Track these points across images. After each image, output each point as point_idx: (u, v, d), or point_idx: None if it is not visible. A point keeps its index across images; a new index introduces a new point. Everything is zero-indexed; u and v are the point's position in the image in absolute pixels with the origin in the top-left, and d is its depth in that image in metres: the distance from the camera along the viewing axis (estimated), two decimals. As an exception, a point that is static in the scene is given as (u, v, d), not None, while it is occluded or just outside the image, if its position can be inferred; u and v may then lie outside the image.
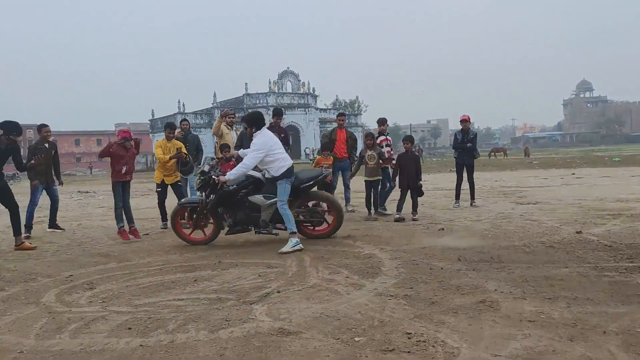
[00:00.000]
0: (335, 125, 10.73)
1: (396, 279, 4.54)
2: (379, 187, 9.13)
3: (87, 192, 19.49)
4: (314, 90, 64.35)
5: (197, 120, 56.49)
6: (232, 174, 6.30)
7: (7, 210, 7.08)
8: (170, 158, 8.55)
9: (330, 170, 8.26)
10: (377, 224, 8.04)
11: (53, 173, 9.05)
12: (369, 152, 8.82)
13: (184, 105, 58.33)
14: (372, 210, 8.92)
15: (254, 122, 6.50)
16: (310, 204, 6.99)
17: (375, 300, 3.93)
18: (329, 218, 6.93)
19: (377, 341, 3.10)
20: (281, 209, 6.33)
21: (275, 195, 6.38)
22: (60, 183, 9.25)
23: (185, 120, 10.26)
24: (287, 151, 8.46)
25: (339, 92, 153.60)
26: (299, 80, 63.78)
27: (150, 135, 66.63)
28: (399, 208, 8.42)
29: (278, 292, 4.27)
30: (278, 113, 9.85)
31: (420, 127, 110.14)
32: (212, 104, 58.55)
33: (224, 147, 8.92)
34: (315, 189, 7.04)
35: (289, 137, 9.59)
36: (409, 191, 8.49)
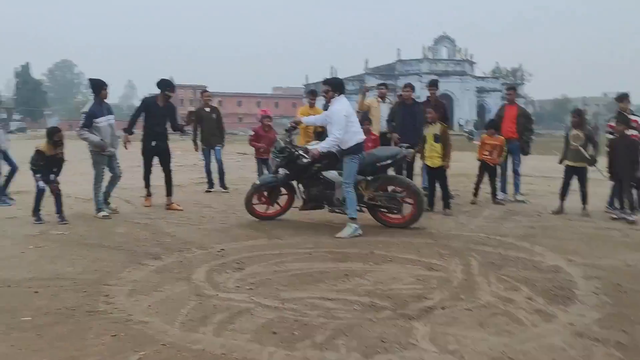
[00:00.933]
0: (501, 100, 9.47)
1: (599, 312, 3.55)
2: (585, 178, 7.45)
3: (245, 154, 20.46)
4: (471, 57, 60.44)
5: (348, 87, 56.60)
6: (323, 146, 5.90)
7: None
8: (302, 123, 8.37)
9: (412, 151, 7.12)
10: (558, 222, 6.80)
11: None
12: (574, 132, 7.38)
13: (336, 71, 58.79)
14: (584, 207, 7.33)
15: (340, 87, 6.09)
16: (389, 188, 6.40)
17: (575, 343, 3.04)
18: (406, 207, 6.30)
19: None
20: (345, 191, 5.92)
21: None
22: (222, 146, 9.57)
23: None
24: (447, 126, 7.60)
25: (499, 59, 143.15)
26: (455, 46, 60.22)
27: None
28: (622, 204, 6.96)
29: (443, 308, 3.58)
30: (433, 84, 8.94)
31: (595, 100, 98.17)
32: (364, 70, 58.11)
33: (365, 121, 8.34)
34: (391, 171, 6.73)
35: (447, 111, 8.65)
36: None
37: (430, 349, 2.93)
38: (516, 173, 8.57)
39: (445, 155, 7.32)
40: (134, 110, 7.96)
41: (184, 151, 14.66)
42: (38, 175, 6.43)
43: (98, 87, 6.96)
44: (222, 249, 5.17)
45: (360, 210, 6.16)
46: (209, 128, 9.35)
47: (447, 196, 7.48)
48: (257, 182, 6.73)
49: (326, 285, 4.07)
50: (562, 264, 4.72)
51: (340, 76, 61.05)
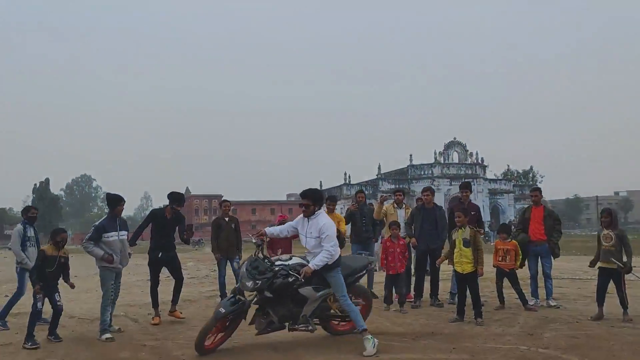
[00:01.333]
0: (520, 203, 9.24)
1: None
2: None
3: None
4: (482, 160, 61.52)
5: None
6: (317, 264, 5.45)
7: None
8: None
9: (374, 259, 7.17)
10: (600, 330, 6.20)
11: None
12: (605, 232, 7.03)
13: (349, 177, 59.84)
14: (625, 312, 6.78)
15: (321, 200, 5.83)
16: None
17: None
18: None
19: None
20: (345, 304, 5.60)
21: (322, 286, 5.62)
22: (239, 257, 9.28)
23: (361, 192, 9.78)
24: (478, 230, 7.31)
25: (509, 161, 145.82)
26: (466, 150, 61.60)
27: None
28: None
29: None
30: (466, 186, 8.76)
31: (607, 199, 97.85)
32: (377, 175, 59.10)
33: (393, 225, 8.24)
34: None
35: (481, 217, 8.40)
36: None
37: None
38: (547, 277, 8.10)
39: (477, 260, 6.95)
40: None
41: (196, 262, 14.36)
42: (38, 296, 6.12)
43: (114, 202, 6.91)
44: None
45: (313, 329, 5.70)
46: (227, 238, 9.15)
47: (478, 304, 6.98)
48: (222, 309, 5.50)
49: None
50: (622, 381, 4.14)
51: (354, 181, 62.36)
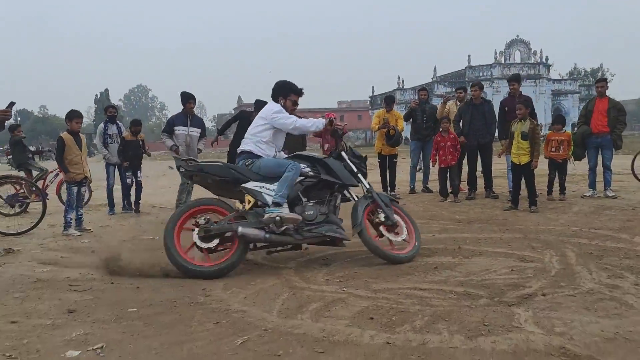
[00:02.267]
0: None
1: None
2: None
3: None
4: (546, 59, 57.86)
5: (416, 95, 56.02)
6: None
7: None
8: (378, 128, 8.85)
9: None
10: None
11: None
12: None
13: (403, 81, 58.33)
14: None
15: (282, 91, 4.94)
16: None
17: (696, 325, 2.83)
18: None
19: None
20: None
21: None
22: None
23: (423, 89, 9.82)
24: (536, 123, 7.30)
25: (577, 59, 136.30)
26: (530, 49, 57.93)
27: (370, 111, 68.66)
28: None
29: (543, 294, 3.44)
30: (515, 78, 8.62)
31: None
32: (432, 78, 57.21)
33: (443, 119, 8.58)
34: None
35: (533, 109, 8.31)
36: None
37: (536, 331, 2.81)
38: (607, 168, 8.10)
39: (533, 152, 7.05)
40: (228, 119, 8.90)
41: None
42: (128, 173, 8.51)
43: (184, 98, 7.70)
44: (306, 247, 5.24)
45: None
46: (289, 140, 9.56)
47: (533, 193, 7.20)
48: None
49: (417, 277, 4.02)
50: (669, 252, 4.40)
51: (408, 86, 60.32)
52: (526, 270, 4.07)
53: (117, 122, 8.65)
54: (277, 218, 4.31)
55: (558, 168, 8.05)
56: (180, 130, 7.64)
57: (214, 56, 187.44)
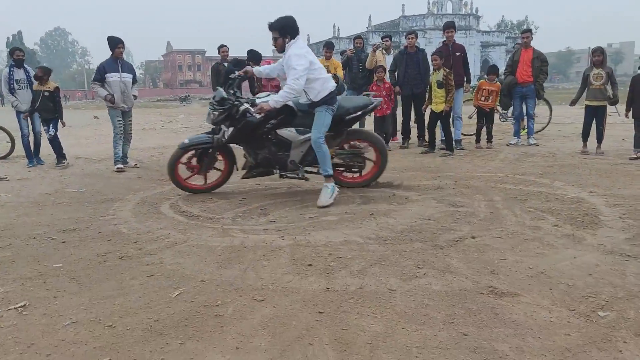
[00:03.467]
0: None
1: (626, 233, 3.57)
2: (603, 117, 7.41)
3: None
4: (476, 10, 59.14)
5: (350, 45, 55.70)
6: (277, 100, 4.75)
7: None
8: None
9: (381, 100, 6.11)
10: (574, 161, 6.79)
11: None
12: (596, 71, 7.23)
13: (338, 29, 57.79)
14: (599, 146, 7.36)
15: (288, 29, 4.83)
16: (346, 145, 5.47)
17: (608, 260, 3.07)
18: (369, 163, 5.53)
19: (633, 321, 2.30)
20: (316, 145, 4.86)
21: (308, 129, 4.97)
22: None
23: (359, 37, 9.72)
24: (449, 71, 7.53)
25: (505, 11, 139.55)
26: (461, 1, 58.88)
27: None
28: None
29: (473, 237, 3.59)
30: (450, 25, 8.68)
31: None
32: (367, 27, 57.04)
33: (378, 68, 8.47)
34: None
35: (466, 57, 8.48)
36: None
37: (467, 272, 2.94)
38: (530, 117, 8.49)
39: (447, 99, 7.48)
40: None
41: (187, 115, 14.57)
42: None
43: (112, 43, 7.21)
44: (244, 198, 5.16)
45: (303, 177, 5.27)
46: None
47: (450, 139, 7.72)
48: (186, 141, 5.29)
49: (354, 224, 4.07)
50: (584, 195, 4.72)
51: (344, 35, 60.03)
52: (457, 215, 4.22)
53: (25, 66, 7.92)
54: None
55: (486, 117, 8.34)
56: (112, 77, 7.15)
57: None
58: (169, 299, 2.73)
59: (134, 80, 7.49)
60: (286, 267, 3.14)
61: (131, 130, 7.64)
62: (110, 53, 7.25)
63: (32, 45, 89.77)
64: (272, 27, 4.88)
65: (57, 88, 7.74)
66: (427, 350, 2.09)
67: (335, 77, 8.50)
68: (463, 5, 59.03)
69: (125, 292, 2.85)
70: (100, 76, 7.16)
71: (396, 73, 8.65)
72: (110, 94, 7.09)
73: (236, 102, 5.00)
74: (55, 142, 7.57)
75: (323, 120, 4.92)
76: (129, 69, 7.42)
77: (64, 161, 7.58)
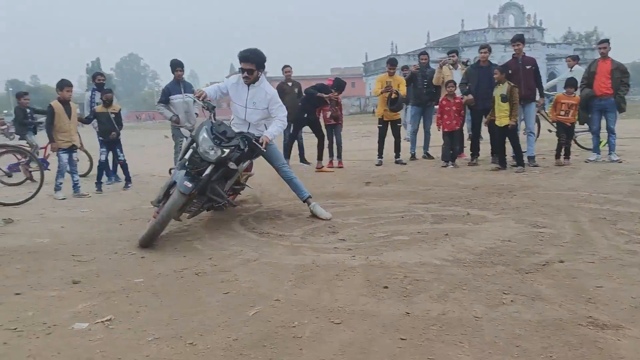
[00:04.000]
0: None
1: None
2: None
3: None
4: (540, 23, 57.09)
5: (409, 61, 55.16)
6: (273, 133, 4.81)
7: None
8: (381, 92, 8.60)
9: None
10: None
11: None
12: None
13: (396, 46, 57.41)
14: None
15: (263, 63, 4.84)
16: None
17: None
18: None
19: None
20: (287, 174, 5.19)
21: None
22: None
23: (424, 53, 9.61)
24: (514, 85, 7.27)
25: (572, 23, 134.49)
26: (524, 13, 57.07)
27: (364, 78, 67.76)
28: None
29: (561, 261, 3.35)
30: (519, 38, 8.32)
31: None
32: (425, 43, 56.40)
33: (449, 83, 8.38)
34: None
35: (538, 70, 8.11)
36: None
37: (559, 299, 2.73)
38: (611, 132, 7.98)
39: (512, 114, 7.28)
40: None
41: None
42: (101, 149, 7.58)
43: (172, 67, 7.61)
44: (312, 215, 5.13)
45: (230, 204, 4.98)
46: (291, 103, 9.29)
47: (519, 154, 7.46)
48: (188, 185, 4.20)
49: (428, 245, 3.93)
50: (684, 217, 4.32)
51: (401, 51, 59.73)
52: (540, 236, 3.98)
53: (105, 89, 8.33)
54: None
55: (566, 131, 7.92)
56: (176, 98, 7.51)
57: (205, 25, 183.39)
58: (246, 318, 2.71)
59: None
60: (361, 289, 3.04)
61: None
62: (172, 76, 7.64)
63: (109, 70, 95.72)
64: (248, 59, 4.73)
65: (120, 110, 7.92)
66: (526, 387, 1.93)
67: (396, 93, 8.47)
68: (526, 18, 57.22)
69: (204, 309, 2.86)
70: (165, 98, 7.53)
71: (467, 87, 8.43)
72: (175, 115, 7.40)
73: (243, 136, 4.61)
74: (124, 166, 7.73)
75: (277, 151, 5.29)
76: (190, 89, 7.73)
77: (130, 184, 7.67)
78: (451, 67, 9.15)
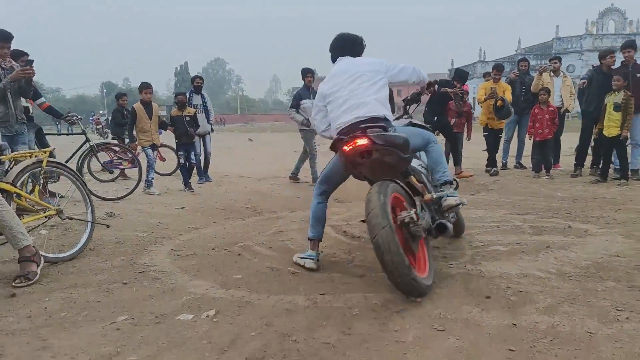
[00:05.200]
0: None
1: None
2: None
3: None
4: (644, 29, 53.23)
5: (536, 60, 52.92)
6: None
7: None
8: (485, 99, 8.24)
9: None
10: None
11: None
12: None
13: (484, 53, 55.80)
14: None
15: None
16: None
17: None
18: None
19: None
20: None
21: None
22: None
23: (524, 60, 9.31)
24: (631, 94, 6.80)
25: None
26: (625, 19, 53.40)
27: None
28: None
29: (682, 280, 3.09)
30: (630, 45, 7.78)
31: None
32: (516, 50, 54.39)
33: (542, 91, 8.16)
34: None
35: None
36: None
37: (684, 321, 2.51)
38: None
39: (624, 124, 6.90)
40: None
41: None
42: (179, 153, 7.95)
43: (303, 73, 8.02)
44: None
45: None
46: None
47: (625, 166, 7.07)
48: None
49: (528, 257, 3.76)
50: None
51: (490, 58, 57.86)
52: (653, 253, 3.69)
53: (203, 92, 8.77)
54: (459, 202, 3.38)
55: None
56: (306, 103, 7.85)
57: (290, 31, 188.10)
58: (346, 318, 2.73)
59: None
60: (462, 297, 2.97)
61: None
62: (302, 82, 8.04)
63: (195, 73, 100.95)
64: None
65: (195, 113, 8.12)
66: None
67: (502, 100, 8.19)
68: (627, 24, 53.46)
69: (300, 309, 2.91)
70: (296, 103, 7.95)
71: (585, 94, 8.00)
72: (306, 119, 7.70)
73: None
74: (197, 166, 8.17)
75: None
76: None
77: (192, 189, 7.74)
78: (552, 74, 8.77)
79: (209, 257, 4.07)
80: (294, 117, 8.01)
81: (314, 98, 7.57)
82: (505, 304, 2.83)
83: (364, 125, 3.20)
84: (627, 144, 7.62)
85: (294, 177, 8.39)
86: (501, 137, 8.84)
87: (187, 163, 7.83)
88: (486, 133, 8.70)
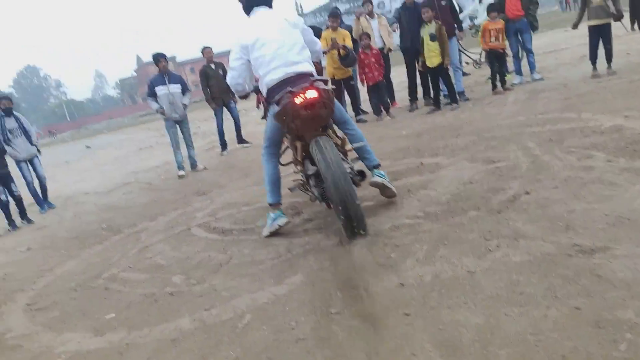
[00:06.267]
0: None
1: (688, 154, 3.38)
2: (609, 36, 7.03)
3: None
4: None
5: (316, 19, 54.36)
6: None
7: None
8: (327, 50, 7.93)
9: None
10: (589, 87, 6.56)
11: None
12: None
13: (301, 6, 56.53)
14: (609, 66, 7.07)
15: None
16: None
17: (684, 187, 2.88)
18: None
19: None
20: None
21: None
22: (235, 101, 9.17)
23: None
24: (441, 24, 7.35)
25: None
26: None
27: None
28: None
29: (527, 193, 3.40)
30: None
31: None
32: (328, -3, 55.70)
33: (363, 35, 8.20)
34: None
35: (453, 4, 8.16)
36: None
37: (540, 233, 2.75)
38: (529, 51, 8.20)
39: (444, 53, 7.33)
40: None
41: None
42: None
43: (154, 59, 7.79)
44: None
45: None
46: (218, 85, 8.88)
47: (452, 91, 7.59)
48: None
49: (395, 206, 3.87)
50: (621, 121, 4.51)
51: (307, 8, 58.00)
52: (497, 172, 4.02)
53: (14, 113, 7.57)
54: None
55: (497, 58, 7.94)
56: (161, 90, 7.73)
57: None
58: (238, 331, 2.56)
59: (185, 89, 7.97)
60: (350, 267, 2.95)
61: (190, 135, 8.16)
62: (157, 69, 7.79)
63: (7, 88, 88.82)
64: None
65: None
66: (545, 335, 1.91)
67: (345, 48, 7.77)
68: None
69: (187, 335, 2.68)
70: (151, 91, 7.79)
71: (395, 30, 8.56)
72: (160, 107, 7.67)
73: None
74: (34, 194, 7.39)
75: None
76: (176, 79, 7.94)
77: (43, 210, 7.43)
78: (367, 17, 8.93)
79: (72, 301, 3.60)
80: (151, 106, 7.92)
81: (170, 83, 7.75)
82: (387, 262, 2.87)
83: (297, 83, 3.41)
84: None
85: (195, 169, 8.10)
86: (353, 83, 8.67)
87: (8, 198, 6.80)
88: (334, 86, 8.66)
